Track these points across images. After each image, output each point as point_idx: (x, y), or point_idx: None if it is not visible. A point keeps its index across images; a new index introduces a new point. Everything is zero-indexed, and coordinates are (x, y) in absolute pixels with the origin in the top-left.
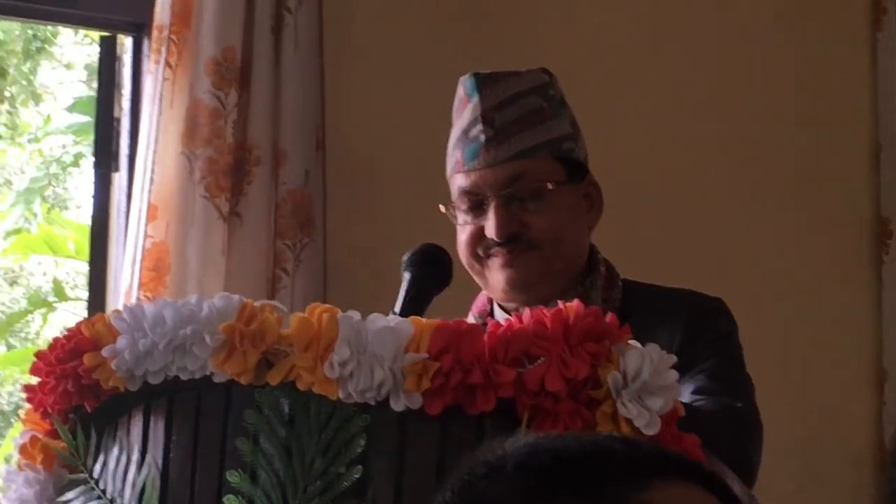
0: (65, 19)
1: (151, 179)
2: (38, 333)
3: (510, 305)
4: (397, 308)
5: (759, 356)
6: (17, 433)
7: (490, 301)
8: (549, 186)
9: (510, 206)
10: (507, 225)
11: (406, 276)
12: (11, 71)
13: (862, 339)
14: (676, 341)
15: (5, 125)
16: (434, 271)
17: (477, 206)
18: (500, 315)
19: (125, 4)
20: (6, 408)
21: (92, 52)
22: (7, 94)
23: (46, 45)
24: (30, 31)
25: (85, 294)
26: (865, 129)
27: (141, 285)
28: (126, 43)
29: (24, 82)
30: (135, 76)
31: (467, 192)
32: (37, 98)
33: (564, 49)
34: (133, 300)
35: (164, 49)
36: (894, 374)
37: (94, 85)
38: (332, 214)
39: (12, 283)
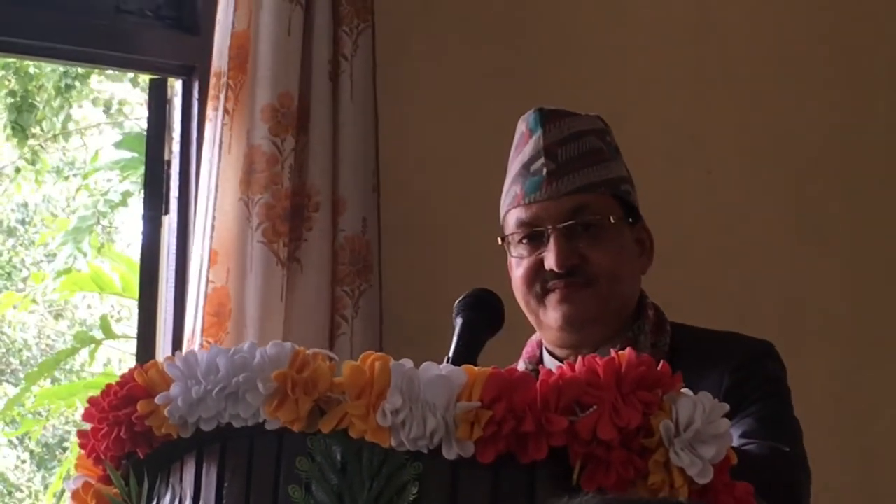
0: (114, 63)
1: (213, 226)
2: (83, 367)
3: (561, 352)
4: (451, 353)
5: (811, 400)
6: (64, 469)
7: (540, 347)
8: (611, 219)
9: (571, 239)
10: (568, 256)
11: (458, 321)
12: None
13: None
14: (725, 385)
15: (26, 160)
16: (486, 315)
17: (535, 240)
18: (549, 361)
19: (176, 47)
20: (51, 440)
21: (123, 90)
22: (37, 130)
23: (79, 82)
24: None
25: (129, 329)
26: None
27: (203, 331)
28: (176, 86)
29: (54, 118)
30: (184, 119)
31: (527, 224)
32: (66, 136)
33: (614, 92)
34: (196, 345)
35: (222, 95)
36: None
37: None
38: (388, 260)
39: (57, 316)
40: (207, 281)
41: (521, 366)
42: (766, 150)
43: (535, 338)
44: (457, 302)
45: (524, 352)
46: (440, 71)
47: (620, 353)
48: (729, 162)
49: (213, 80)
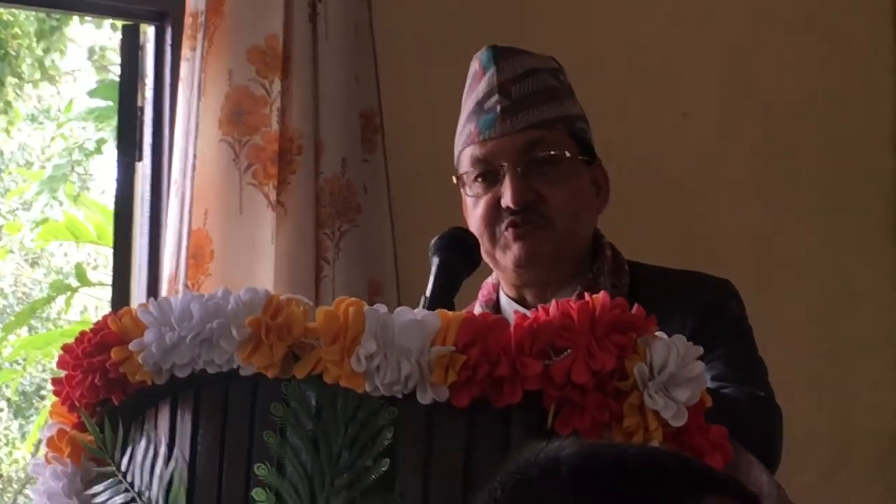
0: (85, 9)
1: (193, 165)
2: (59, 315)
3: (518, 293)
4: (428, 293)
5: (784, 343)
6: (42, 419)
7: (496, 290)
8: (567, 154)
9: (527, 175)
10: (524, 193)
11: (434, 260)
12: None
13: (887, 323)
14: (689, 327)
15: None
16: (462, 255)
17: (490, 178)
18: (506, 303)
19: None
20: (28, 388)
21: (100, 36)
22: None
23: (62, 25)
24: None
25: (105, 276)
26: (889, 114)
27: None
28: (148, 32)
29: (35, 63)
30: (157, 65)
31: (482, 162)
32: (51, 80)
33: (593, 34)
34: (179, 288)
35: (199, 35)
36: None
37: (106, 66)
38: (397, 198)
39: (33, 264)
40: (190, 222)
41: (477, 309)
42: (742, 93)
43: (490, 280)
44: (433, 241)
45: (480, 294)
46: (421, 9)
47: (595, 296)
48: (705, 104)
49: (188, 21)
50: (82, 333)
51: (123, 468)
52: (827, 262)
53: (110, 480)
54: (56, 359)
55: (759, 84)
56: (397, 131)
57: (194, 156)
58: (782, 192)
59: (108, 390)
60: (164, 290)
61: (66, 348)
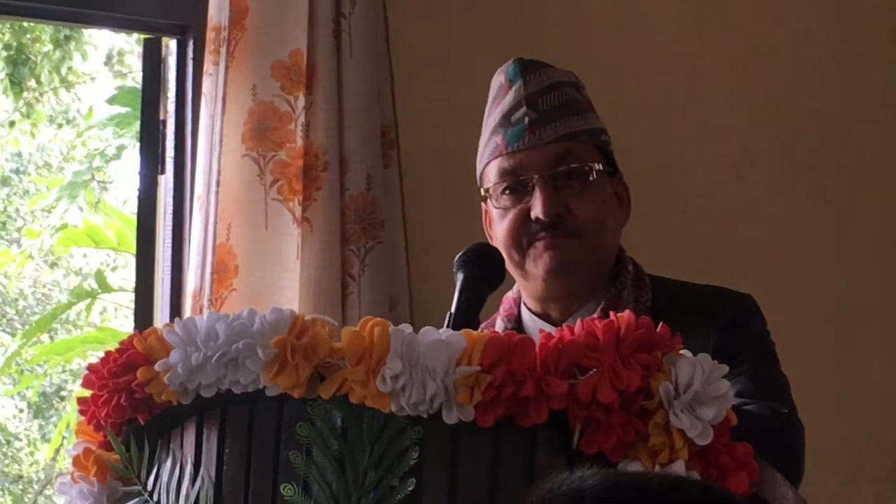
0: (107, 23)
1: (218, 181)
2: (78, 316)
3: (542, 307)
4: (453, 309)
5: (805, 350)
6: (63, 424)
7: (518, 304)
8: (597, 167)
9: (556, 188)
10: (555, 205)
11: (459, 276)
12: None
13: None
14: (713, 343)
15: (21, 112)
16: (486, 270)
17: (518, 190)
18: (527, 318)
19: (169, 7)
20: (48, 389)
21: (118, 41)
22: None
23: (76, 34)
24: None
25: (125, 279)
26: None
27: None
28: (171, 45)
29: (53, 70)
30: (179, 78)
31: (510, 174)
32: (69, 85)
33: (612, 44)
34: (204, 303)
35: (223, 50)
36: None
37: (123, 72)
38: (411, 213)
39: (53, 265)
40: (214, 237)
41: (498, 323)
42: (762, 104)
43: (511, 294)
44: (457, 257)
45: (501, 309)
46: (441, 24)
47: (619, 315)
48: (723, 113)
49: (211, 35)
50: (108, 353)
51: (150, 487)
52: (847, 270)
53: (137, 500)
54: (77, 362)
55: (777, 92)
56: (412, 147)
57: (218, 171)
58: (801, 201)
59: (133, 410)
60: (187, 304)
61: (91, 368)
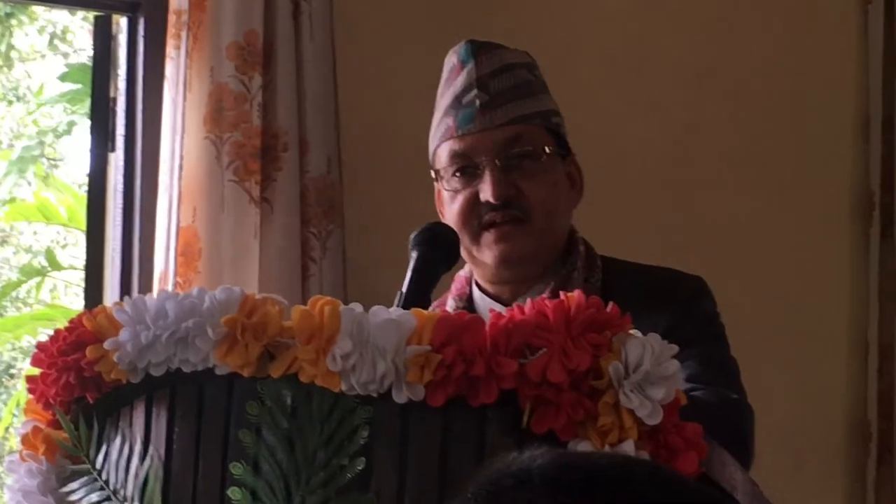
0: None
1: (181, 165)
2: (28, 294)
3: (493, 288)
4: (405, 287)
5: (757, 332)
6: (13, 403)
7: (469, 283)
8: (547, 150)
9: (506, 171)
10: (505, 188)
11: (413, 254)
12: None
13: (849, 311)
14: (662, 325)
15: None
16: (441, 249)
17: (469, 173)
18: (479, 297)
19: None
20: None
21: (61, 19)
22: None
23: (18, 10)
24: None
25: (75, 256)
26: (854, 100)
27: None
28: (121, 22)
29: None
30: (130, 56)
31: (461, 156)
32: (9, 64)
33: (564, 25)
34: (169, 286)
35: (183, 33)
36: (879, 345)
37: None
38: (350, 201)
39: (2, 242)
40: (178, 220)
41: (449, 302)
42: (714, 85)
43: (462, 273)
44: (412, 235)
45: (452, 288)
46: (397, 7)
47: (570, 294)
48: (677, 96)
49: (172, 19)
50: (57, 332)
51: (98, 466)
52: (797, 253)
53: (85, 478)
54: (27, 339)
55: (729, 77)
56: (357, 127)
57: (181, 155)
58: (753, 183)
59: (82, 388)
60: (155, 288)
61: (40, 346)
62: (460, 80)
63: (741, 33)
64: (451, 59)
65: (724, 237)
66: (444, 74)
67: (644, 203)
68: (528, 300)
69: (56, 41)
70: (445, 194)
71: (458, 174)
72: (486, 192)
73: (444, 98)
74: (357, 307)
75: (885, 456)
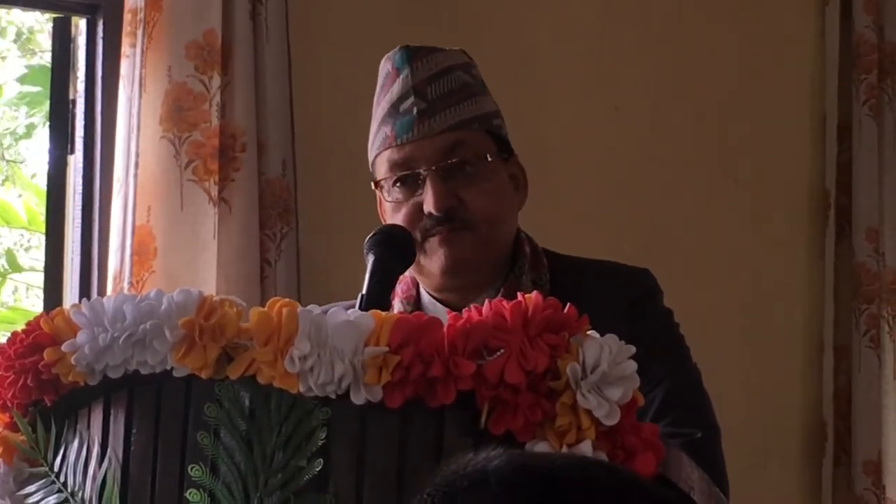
0: (16, 1)
1: (136, 163)
2: None
3: (441, 295)
4: (364, 291)
5: (714, 334)
6: None
7: (416, 286)
8: (488, 157)
9: (447, 179)
10: (446, 198)
11: (370, 258)
12: None
13: (805, 311)
14: (617, 326)
15: None
16: (397, 251)
17: (410, 183)
18: (428, 301)
19: None
20: None
21: (27, 20)
22: None
23: None
24: None
25: (36, 258)
26: (810, 102)
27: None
28: (80, 24)
29: None
30: (89, 58)
31: (400, 166)
32: None
33: (525, 32)
34: (124, 285)
35: (139, 32)
36: (834, 346)
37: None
38: (305, 204)
39: None
40: (134, 219)
41: (396, 305)
42: (672, 87)
43: (408, 274)
44: (367, 239)
45: (398, 289)
46: (352, 10)
47: (528, 295)
48: (636, 98)
49: (127, 17)
50: (14, 334)
51: (56, 468)
52: (755, 255)
53: (43, 481)
54: None
55: (688, 79)
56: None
57: (136, 154)
58: (711, 185)
59: (40, 391)
60: (109, 287)
61: None
62: (396, 88)
63: (701, 37)
64: (385, 66)
65: (681, 237)
66: (380, 81)
67: (604, 203)
68: (486, 301)
69: (20, 41)
70: (387, 205)
71: (398, 184)
72: (428, 204)
73: (380, 106)
74: (315, 309)
75: (840, 456)
